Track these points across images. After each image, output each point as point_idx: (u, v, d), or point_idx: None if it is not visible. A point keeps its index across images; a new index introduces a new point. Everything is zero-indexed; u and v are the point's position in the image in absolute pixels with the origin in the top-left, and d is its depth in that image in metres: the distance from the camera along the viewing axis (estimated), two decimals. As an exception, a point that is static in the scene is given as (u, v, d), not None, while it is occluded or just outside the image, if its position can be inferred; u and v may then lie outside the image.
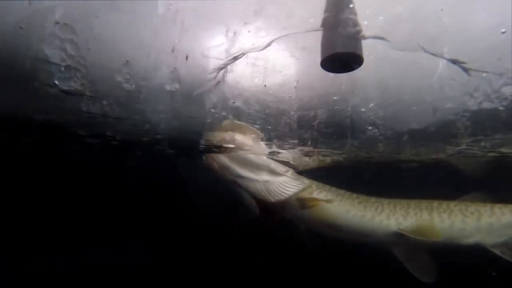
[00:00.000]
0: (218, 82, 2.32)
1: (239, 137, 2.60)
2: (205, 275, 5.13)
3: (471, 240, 2.10)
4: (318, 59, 1.95)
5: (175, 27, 2.08)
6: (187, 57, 2.26)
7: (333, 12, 1.71)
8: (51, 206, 5.39)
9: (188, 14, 2.04)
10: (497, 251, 2.02)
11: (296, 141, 2.74)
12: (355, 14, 1.68)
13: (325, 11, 1.76)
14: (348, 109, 2.42)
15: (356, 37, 1.67)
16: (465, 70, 1.85)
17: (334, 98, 2.43)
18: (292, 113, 2.67)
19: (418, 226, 2.13)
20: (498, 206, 2.21)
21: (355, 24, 1.65)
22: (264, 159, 2.70)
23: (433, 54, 1.82)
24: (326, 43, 1.79)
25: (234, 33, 2.01)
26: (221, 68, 2.22)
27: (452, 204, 2.31)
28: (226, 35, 2.04)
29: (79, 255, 5.32)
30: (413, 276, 2.19)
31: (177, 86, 2.28)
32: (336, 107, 2.46)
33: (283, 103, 2.55)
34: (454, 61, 1.83)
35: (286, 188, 2.46)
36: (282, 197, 2.42)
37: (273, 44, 2.16)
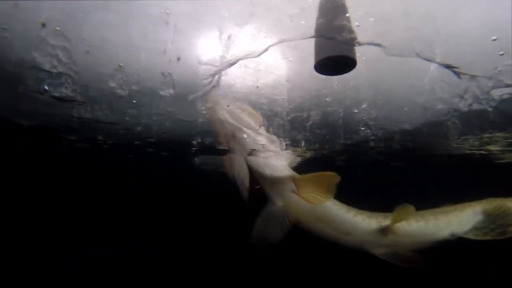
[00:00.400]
0: (213, 86, 2.30)
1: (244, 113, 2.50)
2: (205, 274, 5.20)
3: (446, 232, 2.41)
4: (310, 58, 1.95)
5: (169, 31, 2.05)
6: (178, 59, 2.24)
7: (328, 18, 1.70)
8: (51, 207, 5.38)
9: (183, 19, 2.01)
10: (470, 236, 2.36)
11: (289, 142, 2.76)
12: (349, 21, 1.68)
13: (320, 17, 1.74)
14: (341, 110, 2.43)
15: (350, 43, 1.67)
16: (457, 74, 1.86)
17: (327, 99, 2.43)
18: (284, 113, 2.67)
19: (395, 215, 2.35)
20: (460, 204, 2.60)
21: (351, 31, 1.66)
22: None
23: (427, 60, 1.82)
24: (319, 46, 1.80)
25: (230, 39, 1.97)
26: (215, 74, 2.20)
27: (422, 211, 2.59)
28: (221, 41, 2.01)
29: (79, 255, 5.34)
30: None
31: (171, 91, 2.26)
32: (329, 108, 2.46)
33: (276, 104, 2.55)
34: (447, 66, 1.84)
35: (283, 169, 2.49)
36: (278, 174, 2.43)
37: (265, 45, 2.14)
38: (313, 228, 2.50)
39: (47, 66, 2.06)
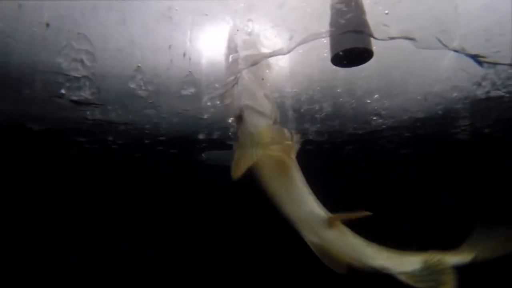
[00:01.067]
0: (234, 84, 2.23)
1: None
2: (205, 274, 5.21)
3: (378, 262, 2.37)
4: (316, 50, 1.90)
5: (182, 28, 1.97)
6: (184, 54, 2.16)
7: (358, 13, 1.65)
8: (51, 207, 5.31)
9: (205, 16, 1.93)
10: (402, 278, 2.32)
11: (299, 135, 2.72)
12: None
13: (347, 12, 1.69)
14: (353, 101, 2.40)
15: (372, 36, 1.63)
16: (479, 62, 1.84)
17: (339, 90, 2.40)
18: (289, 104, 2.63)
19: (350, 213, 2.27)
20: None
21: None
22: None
23: (455, 51, 1.79)
24: (336, 39, 1.76)
25: (256, 35, 1.89)
26: (239, 72, 2.12)
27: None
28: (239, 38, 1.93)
29: (79, 255, 5.31)
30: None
31: (192, 89, 2.18)
32: (341, 99, 2.44)
33: (286, 98, 2.51)
34: (474, 56, 1.80)
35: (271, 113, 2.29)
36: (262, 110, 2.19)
37: (274, 37, 2.07)
38: (268, 183, 2.26)
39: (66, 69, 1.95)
